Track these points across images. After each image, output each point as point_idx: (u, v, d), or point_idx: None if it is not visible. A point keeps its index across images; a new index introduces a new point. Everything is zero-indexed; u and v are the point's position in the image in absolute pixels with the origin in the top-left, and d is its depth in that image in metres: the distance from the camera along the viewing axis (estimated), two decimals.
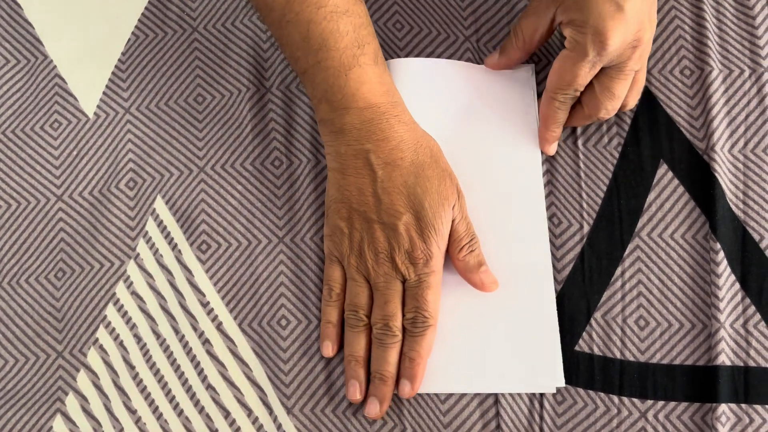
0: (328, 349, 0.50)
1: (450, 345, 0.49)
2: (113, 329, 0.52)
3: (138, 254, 0.54)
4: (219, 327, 0.52)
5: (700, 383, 0.47)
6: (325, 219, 0.51)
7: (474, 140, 0.53)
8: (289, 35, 0.49)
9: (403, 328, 0.48)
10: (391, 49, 0.57)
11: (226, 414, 0.50)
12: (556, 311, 0.49)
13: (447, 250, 0.50)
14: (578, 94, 0.51)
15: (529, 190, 0.52)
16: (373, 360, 0.49)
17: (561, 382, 0.48)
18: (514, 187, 0.52)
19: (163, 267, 0.53)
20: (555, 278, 0.50)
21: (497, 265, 0.50)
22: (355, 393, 0.48)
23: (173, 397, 0.51)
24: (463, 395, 0.49)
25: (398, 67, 0.55)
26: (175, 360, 0.51)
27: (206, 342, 0.51)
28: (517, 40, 0.53)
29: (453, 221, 0.49)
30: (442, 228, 0.48)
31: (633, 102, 0.52)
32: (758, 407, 0.47)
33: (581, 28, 0.47)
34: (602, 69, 0.49)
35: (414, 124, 0.50)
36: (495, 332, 0.49)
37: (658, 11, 0.55)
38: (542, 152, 0.53)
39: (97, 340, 0.52)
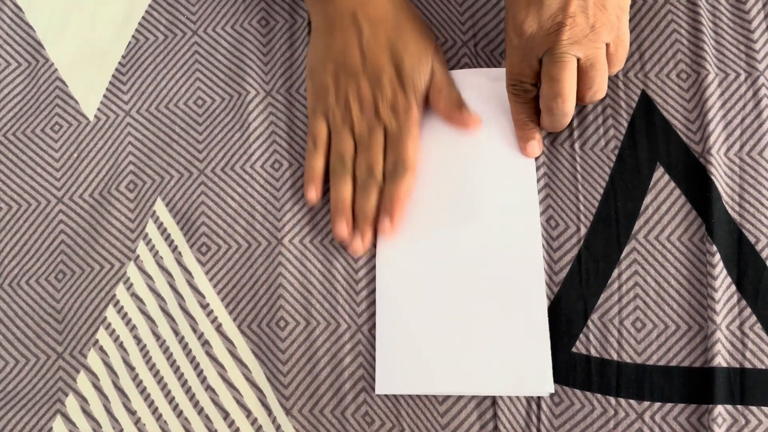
0: (312, 193, 0.53)
1: (443, 347, 0.50)
2: (113, 330, 0.53)
3: (138, 256, 0.54)
4: (218, 328, 0.52)
5: (696, 385, 0.48)
6: (309, 77, 0.55)
7: (467, 145, 0.54)
8: None
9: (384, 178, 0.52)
10: None
11: (225, 415, 0.50)
12: (547, 317, 0.49)
13: (430, 100, 0.54)
14: (528, 86, 0.52)
15: (523, 196, 0.52)
16: (356, 202, 0.52)
17: (550, 388, 0.48)
18: (507, 192, 0.52)
19: (163, 269, 0.54)
20: (552, 280, 0.51)
21: (489, 270, 0.51)
22: (342, 228, 0.51)
23: (173, 398, 0.51)
24: (460, 396, 0.49)
25: None
26: (174, 361, 0.51)
27: (206, 343, 0.52)
28: None
29: (433, 74, 0.53)
30: (420, 82, 0.53)
31: (588, 96, 0.52)
32: (754, 408, 0.47)
33: (507, 15, 0.51)
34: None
35: None
36: (486, 336, 0.49)
37: (654, 15, 0.55)
38: (523, 153, 0.53)
39: (97, 341, 0.53)
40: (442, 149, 0.54)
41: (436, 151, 0.54)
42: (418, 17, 0.54)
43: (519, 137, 0.53)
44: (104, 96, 0.59)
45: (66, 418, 0.51)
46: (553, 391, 0.48)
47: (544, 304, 0.50)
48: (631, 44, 0.55)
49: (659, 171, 0.52)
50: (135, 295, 0.53)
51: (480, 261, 0.51)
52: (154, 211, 0.55)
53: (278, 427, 0.49)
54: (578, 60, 0.50)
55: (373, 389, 0.49)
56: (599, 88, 0.51)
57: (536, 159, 0.53)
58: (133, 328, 0.53)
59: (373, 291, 0.51)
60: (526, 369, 0.49)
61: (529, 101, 0.53)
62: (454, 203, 0.53)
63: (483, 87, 0.55)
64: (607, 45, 0.50)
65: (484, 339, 0.49)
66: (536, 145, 0.53)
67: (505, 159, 0.53)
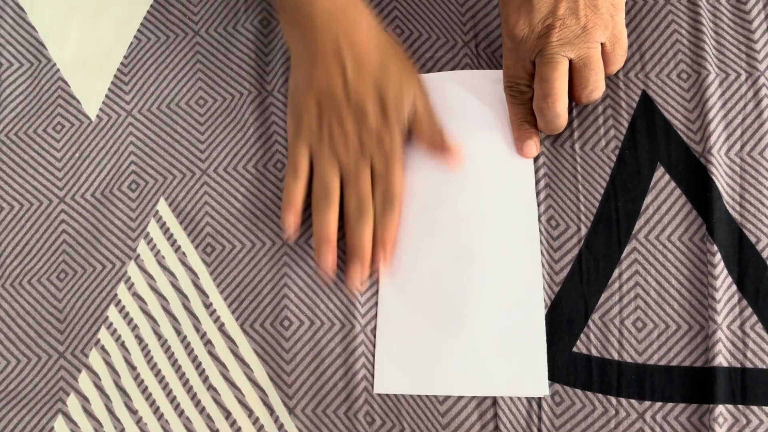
0: (291, 221, 0.52)
1: (441, 347, 0.50)
2: (115, 330, 0.53)
3: (138, 255, 0.54)
4: (221, 328, 0.52)
5: (697, 384, 0.48)
6: (290, 104, 0.54)
7: (467, 146, 0.54)
8: None
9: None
10: None
11: (227, 414, 0.50)
12: (544, 318, 0.50)
13: (413, 131, 0.53)
14: (523, 88, 0.52)
15: (522, 197, 0.52)
16: (349, 235, 0.51)
17: (545, 389, 0.48)
18: (506, 193, 0.53)
19: (165, 268, 0.54)
20: (553, 280, 0.51)
21: (488, 271, 0.51)
22: (329, 261, 0.51)
23: (174, 398, 0.51)
24: (461, 396, 0.49)
25: None
26: (176, 360, 0.52)
27: (208, 343, 0.52)
28: None
29: (416, 106, 0.53)
30: (403, 114, 0.52)
31: (584, 96, 0.52)
32: (755, 408, 0.47)
33: (501, 19, 0.52)
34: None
35: (376, 20, 0.54)
36: (484, 337, 0.50)
37: (655, 16, 0.55)
38: (520, 154, 0.54)
39: (98, 340, 0.53)
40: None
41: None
42: (399, 49, 0.54)
43: (516, 138, 0.53)
44: (106, 96, 0.59)
45: (67, 417, 0.51)
46: (547, 392, 0.48)
47: (541, 305, 0.50)
48: (631, 44, 0.55)
49: (660, 171, 0.52)
50: (136, 295, 0.53)
51: (478, 262, 0.51)
52: (157, 211, 0.55)
53: (281, 427, 0.50)
54: (571, 60, 0.50)
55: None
56: (595, 88, 0.52)
57: (537, 159, 0.54)
58: (134, 328, 0.53)
59: (377, 292, 0.52)
60: (522, 370, 0.49)
61: (525, 102, 0.53)
62: (453, 204, 0.53)
63: (483, 89, 0.55)
64: (603, 44, 0.51)
65: (481, 339, 0.50)
66: (533, 146, 0.53)
67: (503, 160, 0.53)
